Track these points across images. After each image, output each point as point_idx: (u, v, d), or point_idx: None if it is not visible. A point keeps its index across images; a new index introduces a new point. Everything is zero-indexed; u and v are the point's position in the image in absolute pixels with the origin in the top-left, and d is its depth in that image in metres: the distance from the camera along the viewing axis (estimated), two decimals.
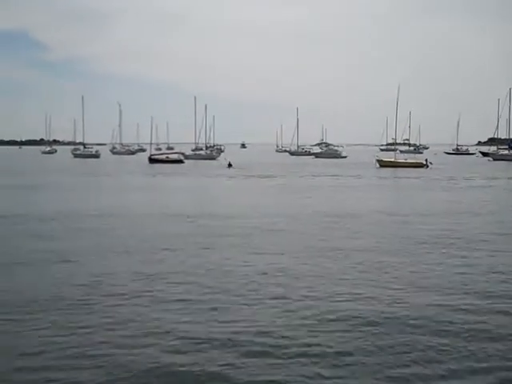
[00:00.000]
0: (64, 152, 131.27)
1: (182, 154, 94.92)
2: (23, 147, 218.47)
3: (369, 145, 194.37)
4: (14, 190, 38.34)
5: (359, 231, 20.68)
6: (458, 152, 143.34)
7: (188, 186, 45.01)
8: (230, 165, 72.45)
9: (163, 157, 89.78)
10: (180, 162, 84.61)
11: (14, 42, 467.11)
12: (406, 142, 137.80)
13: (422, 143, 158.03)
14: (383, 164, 71.66)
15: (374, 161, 73.74)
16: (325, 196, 35.90)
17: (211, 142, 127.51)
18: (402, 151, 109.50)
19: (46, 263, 15.08)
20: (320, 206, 29.26)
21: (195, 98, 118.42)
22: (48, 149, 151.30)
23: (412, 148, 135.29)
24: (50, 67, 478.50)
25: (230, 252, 16.56)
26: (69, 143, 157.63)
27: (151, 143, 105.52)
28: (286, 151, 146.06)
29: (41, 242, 18.14)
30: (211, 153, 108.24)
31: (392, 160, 74.24)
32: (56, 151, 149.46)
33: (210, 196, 37.54)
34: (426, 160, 72.35)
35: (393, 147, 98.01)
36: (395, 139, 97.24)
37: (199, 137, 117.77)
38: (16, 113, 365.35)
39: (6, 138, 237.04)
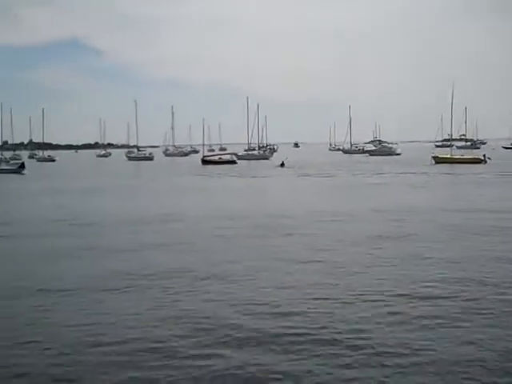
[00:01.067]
0: (118, 155, 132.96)
1: (235, 154, 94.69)
2: (79, 151, 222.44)
3: (424, 141, 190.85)
4: (74, 194, 38.83)
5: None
6: None
7: (251, 186, 44.90)
8: (282, 164, 71.86)
9: (216, 158, 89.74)
10: (233, 162, 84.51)
11: (70, 49, 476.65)
12: (463, 137, 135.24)
13: (479, 138, 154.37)
14: (439, 160, 69.98)
15: (430, 157, 72.30)
16: (383, 193, 35.19)
17: (264, 142, 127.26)
18: (458, 147, 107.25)
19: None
20: (380, 204, 28.56)
21: (247, 98, 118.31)
22: (103, 152, 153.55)
23: (469, 143, 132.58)
24: (104, 73, 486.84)
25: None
26: (122, 146, 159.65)
27: (204, 144, 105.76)
28: (339, 150, 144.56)
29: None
30: (264, 153, 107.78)
31: (448, 156, 72.56)
32: (110, 154, 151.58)
33: (285, 196, 36.81)
34: (484, 155, 70.29)
35: (448, 143, 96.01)
36: (451, 135, 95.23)
37: (252, 137, 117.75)
38: (72, 118, 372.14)
39: (63, 143, 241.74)
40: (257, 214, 25.00)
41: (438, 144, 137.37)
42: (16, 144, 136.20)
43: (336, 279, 13.00)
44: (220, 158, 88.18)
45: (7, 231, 21.80)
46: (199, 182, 50.35)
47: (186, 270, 14.15)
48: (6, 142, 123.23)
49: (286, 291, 12.04)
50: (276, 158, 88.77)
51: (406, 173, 54.36)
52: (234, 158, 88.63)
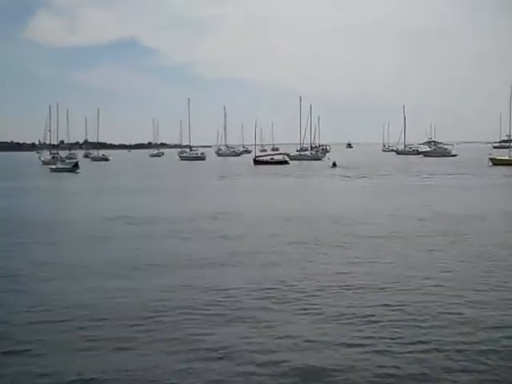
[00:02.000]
0: (171, 155, 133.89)
1: (287, 154, 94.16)
2: (132, 151, 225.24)
3: (481, 142, 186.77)
4: (125, 193, 39.04)
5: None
6: None
7: (307, 187, 44.42)
8: (334, 164, 71.69)
9: (268, 158, 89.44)
10: (285, 162, 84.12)
11: (124, 50, 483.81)
12: None
13: None
14: (496, 162, 68.06)
15: (487, 159, 70.47)
16: (439, 197, 34.20)
17: (316, 143, 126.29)
18: None
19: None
20: (438, 207, 27.68)
21: (300, 98, 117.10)
22: (155, 152, 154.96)
23: None
24: (158, 73, 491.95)
25: None
26: (175, 146, 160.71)
27: (255, 144, 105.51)
28: (392, 150, 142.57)
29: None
30: (316, 153, 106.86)
31: (506, 158, 70.50)
32: (163, 154, 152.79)
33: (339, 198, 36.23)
34: None
35: (507, 144, 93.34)
36: (509, 136, 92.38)
37: (304, 137, 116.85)
38: (126, 118, 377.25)
39: (117, 143, 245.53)
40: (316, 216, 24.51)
41: (495, 145, 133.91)
42: (71, 143, 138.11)
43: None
44: (272, 159, 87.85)
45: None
46: (251, 182, 50.06)
47: None
48: (62, 142, 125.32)
49: None
50: (328, 159, 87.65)
51: (461, 174, 53.04)
52: (286, 159, 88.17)
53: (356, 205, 29.55)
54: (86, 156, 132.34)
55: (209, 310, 10.96)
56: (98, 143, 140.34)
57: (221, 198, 35.93)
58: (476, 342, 9.02)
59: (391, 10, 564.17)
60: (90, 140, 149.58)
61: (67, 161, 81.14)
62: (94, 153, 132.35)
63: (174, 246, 18.04)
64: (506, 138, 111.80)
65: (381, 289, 12.29)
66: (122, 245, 18.47)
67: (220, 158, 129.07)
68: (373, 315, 10.40)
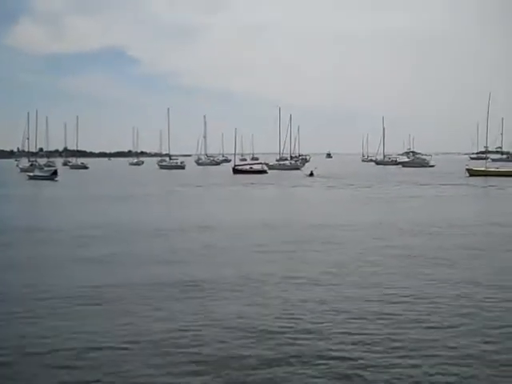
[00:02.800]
0: (151, 163, 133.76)
1: (266, 164, 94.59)
2: (112, 159, 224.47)
3: (458, 153, 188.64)
4: (99, 201, 38.99)
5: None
6: None
7: (282, 197, 44.51)
8: (311, 174, 73.32)
9: (247, 167, 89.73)
10: (263, 172, 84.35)
11: (107, 58, 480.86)
12: (499, 150, 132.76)
13: None
14: (473, 173, 68.80)
15: (464, 170, 71.23)
16: (415, 206, 34.55)
17: (296, 152, 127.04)
18: (493, 159, 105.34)
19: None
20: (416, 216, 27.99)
21: (280, 108, 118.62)
22: (135, 160, 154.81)
23: (505, 156, 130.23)
24: (139, 81, 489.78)
25: None
26: (155, 155, 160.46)
27: (235, 154, 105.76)
28: (372, 160, 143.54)
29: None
30: (295, 163, 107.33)
31: (482, 169, 71.29)
32: (143, 163, 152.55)
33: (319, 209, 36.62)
34: None
35: (484, 155, 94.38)
36: (487, 147, 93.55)
37: (284, 147, 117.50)
38: (106, 126, 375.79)
39: (96, 151, 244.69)
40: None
41: (472, 156, 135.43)
42: (51, 151, 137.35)
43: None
44: (251, 168, 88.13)
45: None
46: (232, 191, 50.16)
47: None
48: (41, 149, 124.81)
49: None
50: (307, 169, 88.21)
51: (439, 185, 53.61)
52: (265, 168, 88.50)
53: (324, 214, 29.85)
54: (65, 164, 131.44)
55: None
56: (78, 151, 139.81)
57: (193, 206, 36.00)
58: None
59: (374, 22, 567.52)
60: (69, 148, 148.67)
61: (45, 168, 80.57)
62: (73, 161, 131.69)
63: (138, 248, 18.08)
64: (483, 150, 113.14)
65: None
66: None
67: (200, 166, 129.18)
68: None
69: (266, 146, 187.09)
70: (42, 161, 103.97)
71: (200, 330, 10.08)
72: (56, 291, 12.98)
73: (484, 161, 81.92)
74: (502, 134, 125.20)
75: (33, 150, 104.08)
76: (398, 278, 14.19)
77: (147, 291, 13.01)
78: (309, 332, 9.95)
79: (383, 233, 22.32)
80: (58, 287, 13.43)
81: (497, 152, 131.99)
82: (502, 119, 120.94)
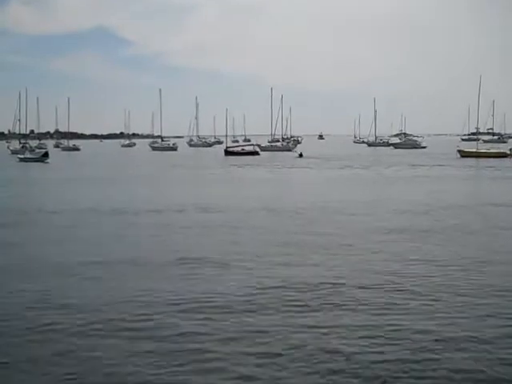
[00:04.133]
0: (143, 145, 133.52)
1: (258, 145, 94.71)
2: (104, 141, 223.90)
3: (450, 135, 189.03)
4: (92, 183, 38.95)
5: None
6: None
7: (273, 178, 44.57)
8: (300, 155, 75.06)
9: (239, 149, 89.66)
10: (255, 153, 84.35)
11: (98, 38, 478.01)
12: (490, 131, 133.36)
13: (507, 132, 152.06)
14: (464, 154, 69.28)
15: (455, 151, 71.65)
16: (403, 187, 34.75)
17: (288, 134, 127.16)
18: (484, 141, 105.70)
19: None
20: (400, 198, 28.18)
21: (271, 89, 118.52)
22: (127, 142, 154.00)
23: (496, 137, 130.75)
24: (131, 62, 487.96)
25: None
26: (147, 136, 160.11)
27: (227, 135, 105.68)
28: (363, 142, 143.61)
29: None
30: (287, 144, 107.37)
31: (473, 150, 71.71)
32: (135, 144, 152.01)
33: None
34: (510, 149, 69.30)
35: (475, 137, 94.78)
36: (478, 128, 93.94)
37: (275, 128, 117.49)
38: (98, 107, 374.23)
39: (88, 133, 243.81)
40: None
41: (464, 138, 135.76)
42: (42, 133, 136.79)
43: None
44: (243, 149, 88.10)
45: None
46: (223, 172, 50.22)
47: None
48: (32, 132, 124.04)
49: None
50: (300, 150, 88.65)
51: (431, 166, 53.96)
52: (257, 150, 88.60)
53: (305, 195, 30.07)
54: (56, 146, 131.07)
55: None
56: (69, 133, 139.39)
57: (184, 187, 36.12)
58: None
59: (371, 7, 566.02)
60: (60, 130, 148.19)
61: (37, 150, 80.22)
62: (65, 143, 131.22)
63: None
64: (474, 131, 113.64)
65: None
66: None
67: (192, 148, 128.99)
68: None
69: (258, 128, 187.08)
70: (34, 143, 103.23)
71: None
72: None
73: (475, 142, 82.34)
74: (492, 115, 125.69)
75: (24, 131, 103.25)
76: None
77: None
78: None
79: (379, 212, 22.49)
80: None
81: (488, 133, 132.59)
82: (493, 101, 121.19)
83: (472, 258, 14.18)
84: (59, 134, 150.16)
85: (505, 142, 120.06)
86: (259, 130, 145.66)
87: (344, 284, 11.75)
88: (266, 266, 13.46)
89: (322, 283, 11.78)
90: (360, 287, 11.49)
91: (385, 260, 14.05)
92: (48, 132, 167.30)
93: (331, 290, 11.34)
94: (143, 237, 17.91)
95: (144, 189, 34.99)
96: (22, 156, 72.86)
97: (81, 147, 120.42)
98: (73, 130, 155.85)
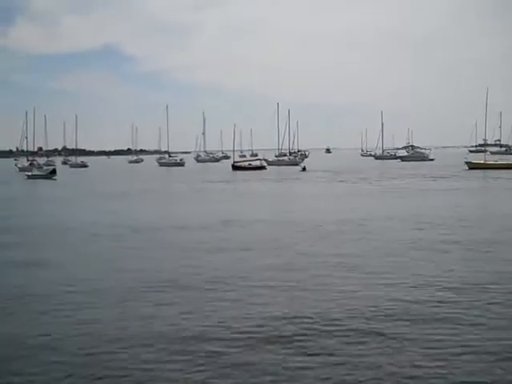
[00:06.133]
0: (150, 161, 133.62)
1: (265, 160, 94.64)
2: (111, 157, 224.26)
3: (458, 147, 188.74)
4: (97, 200, 38.91)
5: None
6: None
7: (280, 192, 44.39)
8: (304, 169, 77.17)
9: (246, 164, 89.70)
10: (262, 168, 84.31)
11: (104, 56, 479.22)
12: (498, 142, 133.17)
13: None
14: (472, 166, 68.99)
15: (463, 163, 71.48)
16: (411, 199, 34.56)
17: (295, 148, 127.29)
18: (492, 152, 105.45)
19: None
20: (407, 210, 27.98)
21: (278, 104, 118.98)
22: (134, 158, 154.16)
23: (503, 149, 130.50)
24: (137, 79, 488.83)
25: None
26: (155, 152, 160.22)
27: (234, 150, 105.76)
28: (371, 155, 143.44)
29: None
30: (294, 158, 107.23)
31: (481, 162, 71.40)
32: (142, 160, 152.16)
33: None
34: None
35: (483, 148, 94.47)
36: (485, 140, 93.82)
37: (282, 143, 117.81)
38: (105, 124, 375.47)
39: (96, 149, 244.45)
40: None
41: (471, 149, 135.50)
42: (50, 150, 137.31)
43: None
44: (250, 164, 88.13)
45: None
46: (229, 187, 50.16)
47: None
48: (40, 149, 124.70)
49: None
50: (307, 164, 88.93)
51: (440, 178, 53.92)
52: (264, 164, 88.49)
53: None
54: (64, 163, 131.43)
55: None
56: (77, 149, 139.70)
57: (193, 203, 35.97)
58: None
59: (375, 16, 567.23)
60: (68, 147, 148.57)
61: (44, 167, 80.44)
62: (73, 159, 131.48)
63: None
64: (482, 143, 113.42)
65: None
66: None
67: (199, 163, 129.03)
68: None
69: (265, 142, 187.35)
70: (42, 160, 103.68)
71: None
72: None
73: (483, 154, 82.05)
74: (500, 127, 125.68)
75: (31, 149, 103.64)
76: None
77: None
78: None
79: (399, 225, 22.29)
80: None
81: (495, 145, 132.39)
82: (501, 113, 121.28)
83: None
84: (67, 151, 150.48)
85: None
86: (266, 144, 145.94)
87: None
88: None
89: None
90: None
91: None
92: (56, 149, 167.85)
93: None
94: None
95: (158, 205, 34.86)
96: (29, 173, 72.96)
97: (88, 164, 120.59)
98: (80, 146, 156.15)
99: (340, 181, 53.71)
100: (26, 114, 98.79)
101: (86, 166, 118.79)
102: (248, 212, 29.13)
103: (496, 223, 22.93)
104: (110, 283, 13.55)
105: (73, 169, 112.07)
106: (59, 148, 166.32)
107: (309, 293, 12.16)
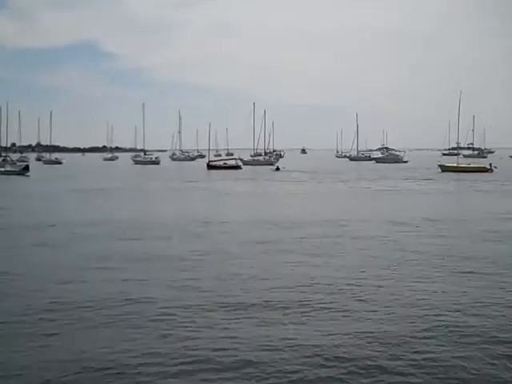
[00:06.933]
0: (125, 159, 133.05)
1: (241, 159, 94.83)
2: (86, 154, 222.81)
3: (432, 149, 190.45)
4: (69, 196, 38.67)
5: None
6: None
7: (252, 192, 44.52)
8: (277, 169, 79.52)
9: (221, 163, 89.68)
10: (237, 167, 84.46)
11: (82, 53, 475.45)
12: (470, 146, 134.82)
13: (486, 147, 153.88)
14: (445, 169, 69.83)
15: (436, 165, 72.31)
16: (377, 200, 34.90)
17: (271, 148, 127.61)
18: (465, 155, 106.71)
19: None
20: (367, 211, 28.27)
21: (254, 103, 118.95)
22: (109, 155, 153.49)
23: (476, 152, 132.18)
24: (115, 76, 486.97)
25: None
26: (130, 150, 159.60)
27: (209, 149, 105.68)
28: (346, 156, 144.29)
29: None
30: (269, 158, 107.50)
31: (454, 165, 72.28)
32: (117, 158, 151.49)
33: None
34: (490, 164, 70.14)
35: (455, 152, 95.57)
36: (458, 143, 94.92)
37: (258, 143, 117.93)
38: (80, 121, 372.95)
39: (70, 146, 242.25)
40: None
41: (445, 152, 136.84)
42: (24, 146, 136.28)
43: None
44: (225, 164, 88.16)
45: None
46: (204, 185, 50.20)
47: None
48: (13, 145, 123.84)
49: None
50: (281, 164, 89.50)
51: (412, 180, 54.46)
52: (239, 164, 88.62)
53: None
54: (38, 159, 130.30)
55: None
56: (51, 146, 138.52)
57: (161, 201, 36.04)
58: None
59: (350, 17, 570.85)
60: (42, 143, 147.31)
61: (17, 164, 79.53)
62: (47, 156, 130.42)
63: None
64: (455, 146, 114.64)
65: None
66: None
67: (174, 162, 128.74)
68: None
69: (241, 142, 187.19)
70: (15, 156, 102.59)
71: None
72: None
73: (456, 157, 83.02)
74: (473, 130, 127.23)
75: (4, 144, 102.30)
76: None
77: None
78: None
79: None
80: None
81: (468, 148, 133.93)
82: (473, 116, 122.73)
83: None
84: (41, 148, 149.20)
85: (485, 157, 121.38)
86: (242, 144, 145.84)
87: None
88: None
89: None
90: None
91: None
92: (30, 145, 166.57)
93: None
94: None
95: (118, 202, 34.86)
96: (2, 169, 72.06)
97: (63, 160, 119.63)
98: (55, 143, 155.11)
99: (318, 182, 53.98)
100: (0, 109, 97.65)
101: (60, 162, 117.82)
102: (220, 211, 29.24)
103: (460, 224, 23.47)
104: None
105: (47, 165, 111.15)
106: (33, 144, 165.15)
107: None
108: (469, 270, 14.42)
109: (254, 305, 11.21)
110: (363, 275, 13.79)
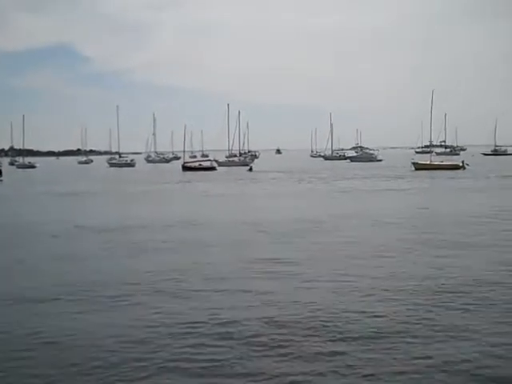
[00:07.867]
0: (100, 162, 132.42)
1: (216, 161, 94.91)
2: (60, 158, 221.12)
3: (405, 148, 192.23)
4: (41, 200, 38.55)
5: None
6: (496, 153, 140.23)
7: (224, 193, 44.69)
8: (250, 169, 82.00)
9: (196, 164, 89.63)
10: (213, 169, 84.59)
11: (57, 55, 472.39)
12: (443, 143, 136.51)
13: (458, 145, 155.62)
14: (418, 167, 70.41)
15: (410, 164, 72.94)
16: (348, 199, 35.25)
17: (246, 149, 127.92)
18: (437, 153, 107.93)
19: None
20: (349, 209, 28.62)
21: (228, 104, 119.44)
22: (84, 159, 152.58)
23: (448, 150, 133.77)
24: (89, 79, 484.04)
25: None
26: (105, 153, 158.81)
27: (184, 151, 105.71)
28: (320, 156, 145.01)
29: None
30: (245, 159, 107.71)
31: (427, 163, 73.01)
32: (92, 161, 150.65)
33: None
34: (463, 162, 71.06)
35: (429, 149, 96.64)
36: (431, 141, 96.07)
37: (233, 143, 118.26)
38: (54, 124, 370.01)
39: (44, 150, 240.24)
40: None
41: (418, 150, 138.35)
42: None
43: None
44: (200, 165, 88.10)
45: None
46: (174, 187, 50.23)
47: None
48: None
49: None
50: (256, 164, 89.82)
51: (386, 179, 54.80)
52: (214, 165, 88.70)
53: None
54: (11, 163, 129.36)
55: None
56: (25, 150, 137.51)
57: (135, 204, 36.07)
58: None
59: (328, 18, 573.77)
60: (15, 147, 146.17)
61: None
62: (20, 160, 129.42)
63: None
64: (427, 144, 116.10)
65: None
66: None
67: (150, 164, 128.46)
68: None
69: (216, 143, 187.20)
70: None
71: None
72: None
73: (429, 155, 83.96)
74: (445, 128, 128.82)
75: None
76: None
77: None
78: None
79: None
80: None
81: (441, 146, 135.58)
82: (445, 114, 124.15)
83: None
84: (14, 152, 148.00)
85: (457, 154, 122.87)
86: (217, 145, 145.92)
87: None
88: None
89: None
90: None
91: None
92: (3, 149, 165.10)
93: None
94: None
95: (106, 206, 34.84)
96: None
97: (37, 164, 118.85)
98: (28, 147, 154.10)
99: (296, 181, 54.27)
100: None
101: (33, 166, 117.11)
102: (196, 212, 29.38)
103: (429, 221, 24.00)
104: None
105: (20, 169, 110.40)
106: (6, 148, 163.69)
107: None
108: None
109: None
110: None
